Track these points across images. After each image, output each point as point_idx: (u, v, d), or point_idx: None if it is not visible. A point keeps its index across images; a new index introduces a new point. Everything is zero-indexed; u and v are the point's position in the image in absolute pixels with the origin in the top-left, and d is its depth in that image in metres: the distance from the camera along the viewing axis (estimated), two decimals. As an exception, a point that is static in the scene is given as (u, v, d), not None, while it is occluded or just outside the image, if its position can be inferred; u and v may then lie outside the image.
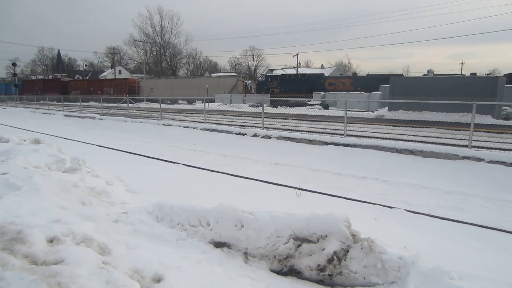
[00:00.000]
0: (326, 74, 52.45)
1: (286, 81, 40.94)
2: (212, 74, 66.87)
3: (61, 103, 29.16)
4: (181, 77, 57.29)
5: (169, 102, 41.38)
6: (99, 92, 47.24)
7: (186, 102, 39.39)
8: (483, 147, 9.39)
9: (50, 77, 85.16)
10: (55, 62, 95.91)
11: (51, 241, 3.28)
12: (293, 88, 37.74)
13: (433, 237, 4.66)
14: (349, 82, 37.19)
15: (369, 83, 33.26)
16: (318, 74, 45.26)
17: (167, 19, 71.24)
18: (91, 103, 37.52)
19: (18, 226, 3.40)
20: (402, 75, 33.20)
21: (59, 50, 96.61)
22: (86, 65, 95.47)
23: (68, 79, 63.63)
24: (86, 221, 3.94)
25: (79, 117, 21.43)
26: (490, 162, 7.81)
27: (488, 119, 14.71)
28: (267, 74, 51.12)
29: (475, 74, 33.90)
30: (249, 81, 54.86)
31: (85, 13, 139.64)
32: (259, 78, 56.24)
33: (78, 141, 13.63)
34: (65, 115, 23.03)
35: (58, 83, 56.75)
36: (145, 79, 52.91)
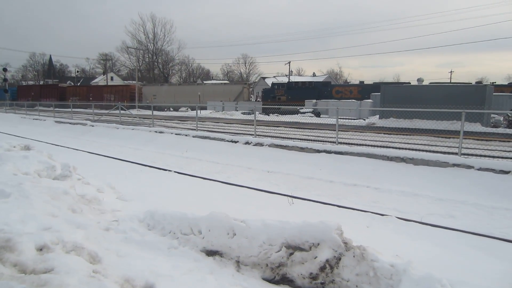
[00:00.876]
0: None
1: (293, 88, 40.87)
2: (217, 82, 65.45)
3: (61, 109, 28.36)
4: (184, 84, 56.15)
5: (171, 109, 40.19)
6: (98, 99, 46.11)
7: (189, 109, 38.20)
8: (472, 155, 9.52)
9: (41, 82, 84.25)
10: (46, 68, 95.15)
11: (41, 250, 3.23)
12: (300, 96, 37.58)
13: (424, 245, 4.69)
14: (357, 90, 37.28)
15: (376, 91, 33.47)
16: (325, 82, 45.28)
17: (159, 26, 71.36)
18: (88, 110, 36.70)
19: (6, 234, 3.34)
20: (409, 83, 33.28)
21: (50, 56, 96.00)
22: (78, 71, 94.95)
23: (66, 85, 62.22)
24: (76, 229, 3.89)
25: (70, 123, 21.24)
26: (480, 169, 7.91)
27: (477, 127, 14.92)
28: (274, 82, 50.68)
29: (469, 83, 34.47)
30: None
31: (78, 19, 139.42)
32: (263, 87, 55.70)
33: (69, 147, 13.49)
34: (56, 121, 22.81)
35: (55, 89, 55.39)
36: (148, 86, 51.85)
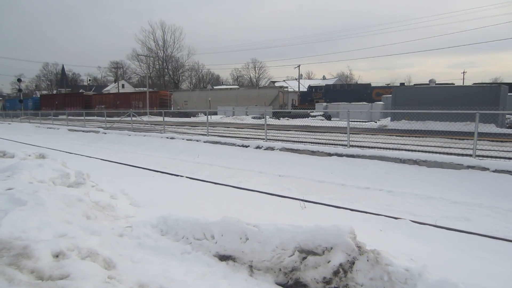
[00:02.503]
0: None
1: (331, 91, 40.33)
2: (250, 86, 63.07)
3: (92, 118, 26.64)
4: (217, 89, 54.27)
5: (201, 114, 38.12)
6: (126, 106, 43.90)
7: (224, 115, 36.58)
8: (487, 156, 9.35)
9: (55, 92, 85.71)
10: (59, 77, 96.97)
11: (57, 256, 3.28)
12: (339, 98, 37.05)
13: (439, 248, 4.62)
14: None
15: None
16: (365, 84, 44.06)
17: (169, 33, 72.26)
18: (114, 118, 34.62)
19: (24, 241, 3.41)
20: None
21: (63, 65, 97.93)
22: (89, 80, 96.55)
23: (92, 93, 61.27)
24: (91, 235, 3.95)
25: (83, 131, 21.57)
26: (495, 171, 7.77)
27: (492, 128, 14.69)
28: (311, 85, 49.81)
29: (478, 83, 33.84)
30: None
31: (88, 28, 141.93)
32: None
33: (82, 155, 13.69)
34: (69, 130, 23.19)
35: (81, 97, 54.49)
36: (178, 92, 50.60)
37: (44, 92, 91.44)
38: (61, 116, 36.40)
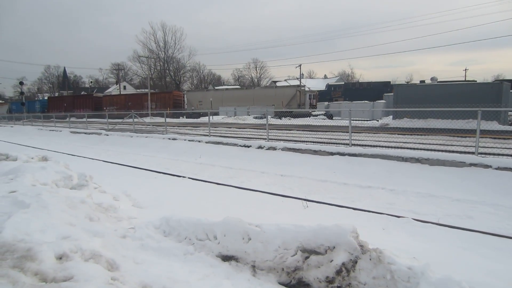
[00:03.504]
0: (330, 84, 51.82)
1: (350, 90, 39.96)
2: (266, 85, 60.48)
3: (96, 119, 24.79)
4: (232, 89, 52.89)
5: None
6: (138, 108, 42.79)
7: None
8: (490, 154, 9.32)
9: (57, 94, 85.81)
10: (61, 80, 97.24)
11: (60, 258, 3.30)
12: (358, 97, 36.64)
13: (442, 246, 4.62)
14: None
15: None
16: (384, 82, 43.30)
17: (170, 35, 72.30)
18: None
19: (27, 243, 3.43)
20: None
21: (64, 68, 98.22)
22: (91, 82, 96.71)
23: (102, 95, 59.86)
24: (94, 237, 3.96)
25: (85, 133, 21.63)
26: (498, 168, 7.75)
27: (494, 125, 14.64)
28: (330, 83, 49.18)
29: (475, 81, 33.70)
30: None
31: (90, 31, 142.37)
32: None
33: (84, 157, 13.72)
34: (72, 132, 23.26)
35: (90, 99, 53.20)
36: (192, 92, 49.37)
37: (46, 94, 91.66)
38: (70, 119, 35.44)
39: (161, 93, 50.21)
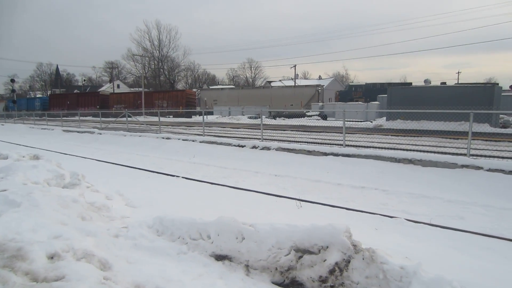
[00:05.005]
0: (324, 85, 51.84)
1: (371, 90, 40.08)
2: (286, 84, 58.57)
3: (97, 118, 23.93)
4: (248, 88, 51.39)
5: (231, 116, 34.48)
6: (148, 106, 40.83)
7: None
8: (481, 156, 9.43)
9: (49, 92, 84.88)
10: (53, 78, 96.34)
11: (52, 258, 3.27)
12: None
13: (434, 246, 4.65)
14: None
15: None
16: (405, 84, 43.66)
17: (165, 33, 71.86)
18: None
19: (18, 243, 3.39)
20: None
21: (57, 65, 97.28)
22: (84, 80, 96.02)
23: (109, 92, 57.67)
24: (86, 236, 3.93)
25: (78, 132, 21.47)
26: (489, 170, 7.84)
27: (486, 128, 14.79)
28: (351, 84, 49.12)
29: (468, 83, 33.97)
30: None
31: (83, 29, 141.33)
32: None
33: (77, 156, 13.61)
34: (64, 130, 23.06)
35: (96, 96, 51.05)
36: (206, 91, 47.89)
37: (38, 92, 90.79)
38: (72, 118, 33.92)
39: (173, 91, 48.55)
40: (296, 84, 50.53)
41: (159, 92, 47.75)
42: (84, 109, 43.41)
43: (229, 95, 43.60)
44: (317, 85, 43.11)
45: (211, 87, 67.02)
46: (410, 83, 44.10)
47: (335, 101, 41.01)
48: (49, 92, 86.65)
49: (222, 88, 50.40)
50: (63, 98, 55.24)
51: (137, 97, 45.31)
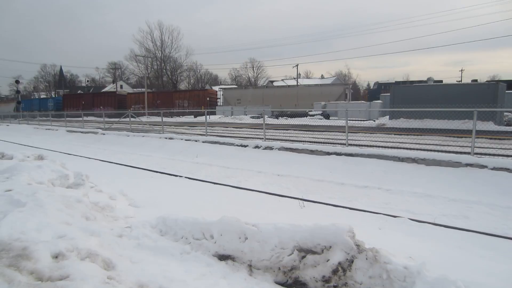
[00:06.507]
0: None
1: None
2: (316, 82, 56.59)
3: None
4: (274, 87, 49.71)
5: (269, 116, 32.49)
6: (168, 106, 40.31)
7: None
8: (486, 154, 9.38)
9: (53, 93, 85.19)
10: (57, 79, 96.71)
11: (56, 257, 3.28)
12: None
13: (438, 246, 4.63)
14: None
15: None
16: (421, 82, 43.96)
17: (167, 34, 71.83)
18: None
19: (23, 242, 3.41)
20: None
21: (61, 66, 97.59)
22: (88, 81, 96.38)
23: (126, 92, 56.86)
24: (90, 236, 3.94)
25: (82, 132, 21.54)
26: (494, 168, 7.79)
27: (490, 126, 14.70)
28: (380, 82, 49.32)
29: (475, 80, 33.90)
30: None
31: (86, 30, 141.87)
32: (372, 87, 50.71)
33: (81, 156, 13.67)
34: (68, 131, 23.16)
35: (113, 96, 49.94)
36: (229, 90, 47.10)
37: (43, 93, 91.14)
38: (88, 117, 32.79)
39: (194, 90, 47.85)
40: (323, 84, 49.26)
41: (179, 92, 47.12)
42: (101, 109, 42.35)
43: (253, 94, 42.82)
44: (345, 84, 41.99)
45: (231, 86, 65.64)
46: (437, 80, 44.00)
47: (362, 100, 40.63)
48: (53, 93, 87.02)
49: (245, 88, 49.64)
50: (77, 99, 54.46)
51: (156, 97, 44.72)
